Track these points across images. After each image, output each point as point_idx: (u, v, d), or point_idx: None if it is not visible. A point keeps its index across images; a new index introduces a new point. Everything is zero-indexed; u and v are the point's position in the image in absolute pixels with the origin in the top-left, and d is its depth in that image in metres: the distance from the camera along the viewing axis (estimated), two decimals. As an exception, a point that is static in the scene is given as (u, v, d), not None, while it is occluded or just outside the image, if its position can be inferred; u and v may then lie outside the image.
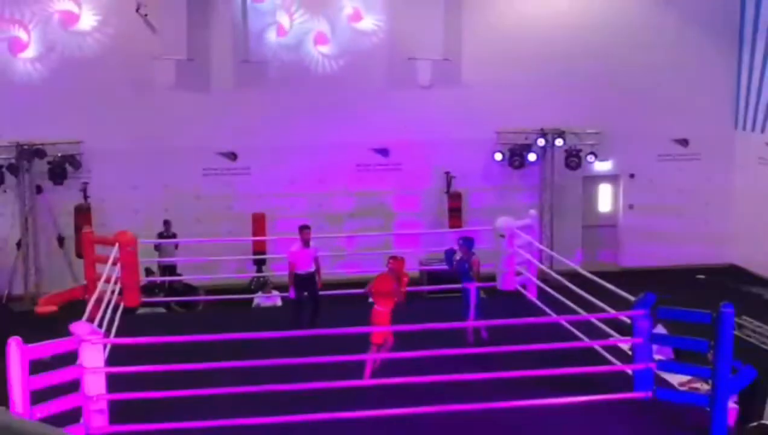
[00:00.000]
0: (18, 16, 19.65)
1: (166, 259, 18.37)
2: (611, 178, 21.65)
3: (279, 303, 15.22)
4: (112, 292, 12.09)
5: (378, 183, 20.87)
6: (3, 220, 19.79)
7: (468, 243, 11.88)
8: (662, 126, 21.16)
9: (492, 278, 14.06)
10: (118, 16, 19.77)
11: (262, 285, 16.25)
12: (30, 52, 19.71)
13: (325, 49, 20.43)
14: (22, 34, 19.66)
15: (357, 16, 20.50)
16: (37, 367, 8.35)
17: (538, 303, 13.25)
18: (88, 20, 19.82)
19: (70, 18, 19.76)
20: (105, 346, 9.10)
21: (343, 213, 20.73)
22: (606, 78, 20.74)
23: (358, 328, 10.21)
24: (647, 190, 21.47)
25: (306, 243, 12.59)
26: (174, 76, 20.12)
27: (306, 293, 12.56)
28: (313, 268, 12.56)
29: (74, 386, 8.71)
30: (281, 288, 16.28)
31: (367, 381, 9.78)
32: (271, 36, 20.14)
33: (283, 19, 20.20)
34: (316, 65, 20.49)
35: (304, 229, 12.71)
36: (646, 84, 20.88)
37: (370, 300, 10.85)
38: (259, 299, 15.56)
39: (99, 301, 11.08)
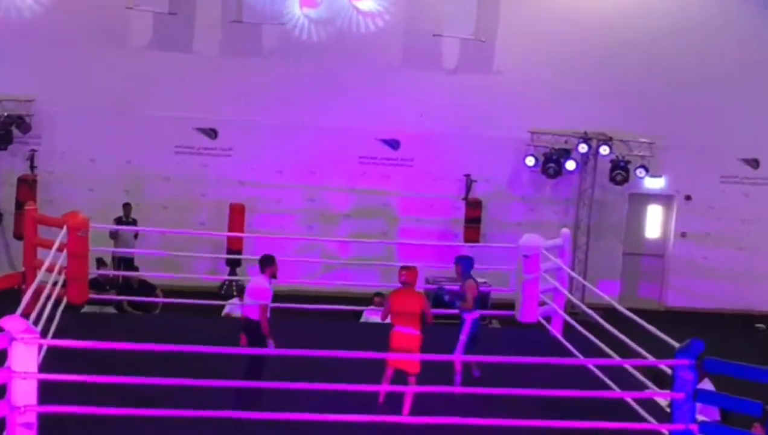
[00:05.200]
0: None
1: (123, 250, 18.37)
2: (663, 198, 21.64)
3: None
4: (55, 283, 12.08)
5: (383, 180, 20.89)
6: (-69, 187, 19.83)
7: (464, 262, 11.57)
8: (729, 142, 21.14)
9: (510, 306, 14.04)
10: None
11: (240, 290, 16.15)
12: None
13: (312, 12, 20.37)
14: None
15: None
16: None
17: (563, 340, 13.23)
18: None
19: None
20: (40, 348, 9.08)
21: (339, 213, 20.73)
22: (665, 80, 20.73)
23: (375, 353, 10.09)
24: (705, 216, 21.46)
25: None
26: (150, 32, 20.14)
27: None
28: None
29: (-1, 392, 8.71)
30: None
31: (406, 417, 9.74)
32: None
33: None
34: (315, 34, 20.48)
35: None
36: (713, 90, 20.84)
37: (388, 321, 10.77)
38: (232, 307, 15.46)
39: (38, 293, 11.07)
